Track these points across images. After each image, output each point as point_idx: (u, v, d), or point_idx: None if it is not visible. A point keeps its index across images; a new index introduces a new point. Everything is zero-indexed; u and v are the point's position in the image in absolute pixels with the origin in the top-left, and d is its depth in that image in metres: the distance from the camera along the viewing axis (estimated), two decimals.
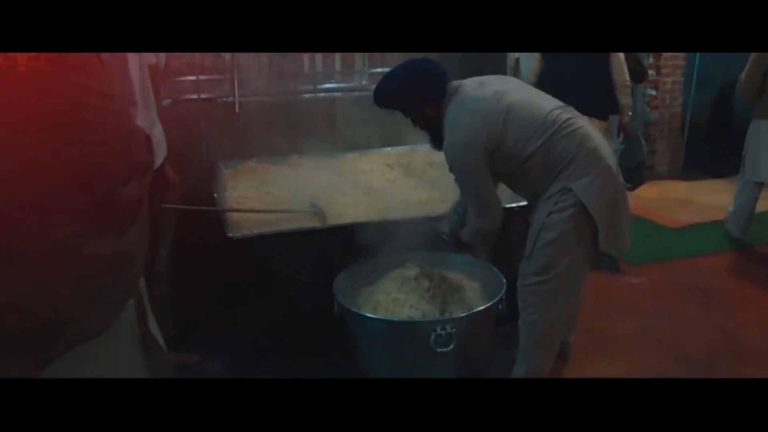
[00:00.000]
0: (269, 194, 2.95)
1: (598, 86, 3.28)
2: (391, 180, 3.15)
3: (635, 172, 5.06)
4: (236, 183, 3.19)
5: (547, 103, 1.89)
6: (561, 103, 1.93)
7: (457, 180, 1.95)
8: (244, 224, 2.53)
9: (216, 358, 2.39)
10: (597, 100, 3.26)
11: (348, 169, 3.42)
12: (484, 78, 2.01)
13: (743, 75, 3.47)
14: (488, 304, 2.05)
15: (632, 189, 4.95)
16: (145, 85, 1.94)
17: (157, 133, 2.07)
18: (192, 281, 2.49)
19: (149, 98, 1.98)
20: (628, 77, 3.32)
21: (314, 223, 2.56)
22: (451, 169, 1.93)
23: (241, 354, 2.42)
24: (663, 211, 4.37)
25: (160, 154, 2.12)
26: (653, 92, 5.26)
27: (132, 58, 1.83)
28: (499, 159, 1.86)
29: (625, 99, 3.35)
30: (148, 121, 1.96)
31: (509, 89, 1.88)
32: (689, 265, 3.47)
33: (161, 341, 1.39)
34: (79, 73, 1.00)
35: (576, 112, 1.93)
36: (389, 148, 3.76)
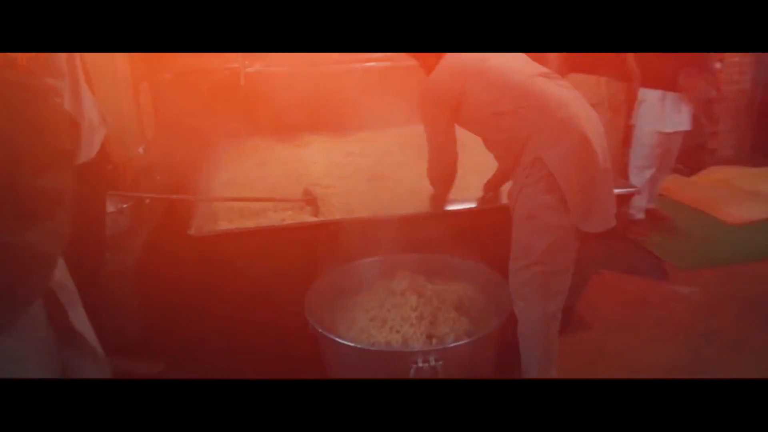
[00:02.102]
0: (262, 179, 2.68)
1: None
2: (401, 164, 2.81)
3: (693, 156, 4.56)
4: (232, 164, 2.94)
5: (528, 68, 1.84)
6: (545, 70, 1.87)
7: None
8: (223, 215, 2.27)
9: (183, 366, 2.13)
10: None
11: (357, 150, 3.13)
12: None
13: None
14: (487, 330, 1.68)
15: (689, 174, 4.48)
16: (72, 59, 1.64)
17: (92, 119, 1.77)
18: (159, 280, 2.23)
19: (78, 75, 1.68)
20: None
21: (305, 214, 2.31)
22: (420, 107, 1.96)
23: (211, 362, 2.14)
24: (723, 203, 3.84)
25: (97, 143, 1.82)
26: (717, 65, 4.72)
27: None
28: (467, 108, 1.87)
29: None
30: (77, 104, 1.67)
31: (503, 55, 1.87)
32: (752, 273, 2.94)
33: (93, 340, 1.29)
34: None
35: (560, 80, 1.86)
36: (408, 128, 3.41)
